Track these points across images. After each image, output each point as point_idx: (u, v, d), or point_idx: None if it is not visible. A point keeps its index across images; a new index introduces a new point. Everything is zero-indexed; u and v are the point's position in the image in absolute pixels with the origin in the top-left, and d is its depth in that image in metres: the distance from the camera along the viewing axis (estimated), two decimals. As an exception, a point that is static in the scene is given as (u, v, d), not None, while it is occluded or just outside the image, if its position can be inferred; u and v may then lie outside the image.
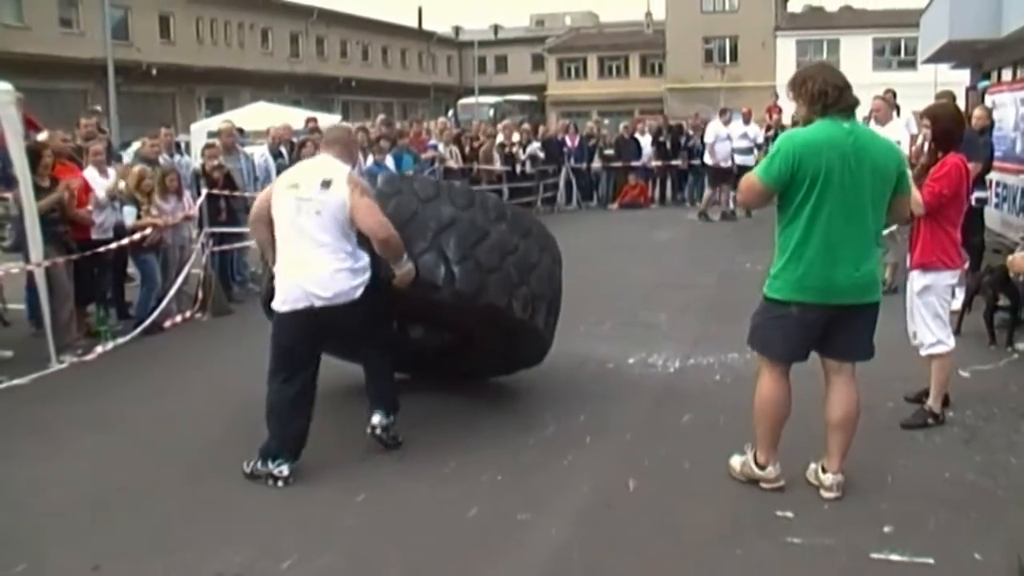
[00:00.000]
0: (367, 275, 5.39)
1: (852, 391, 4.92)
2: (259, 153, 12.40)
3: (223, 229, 10.97)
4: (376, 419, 5.77)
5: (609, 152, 22.57)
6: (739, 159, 18.91)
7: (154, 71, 41.96)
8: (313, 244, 5.29)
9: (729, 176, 18.58)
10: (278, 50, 52.87)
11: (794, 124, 18.18)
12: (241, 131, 14.17)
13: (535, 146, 21.24)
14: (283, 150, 12.58)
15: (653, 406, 6.64)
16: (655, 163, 22.48)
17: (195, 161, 12.61)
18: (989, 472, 5.30)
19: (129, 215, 9.54)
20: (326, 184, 5.29)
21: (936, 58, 29.06)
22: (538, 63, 67.49)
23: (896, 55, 52.64)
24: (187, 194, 10.43)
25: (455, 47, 70.86)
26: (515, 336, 6.35)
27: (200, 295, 10.48)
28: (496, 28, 67.73)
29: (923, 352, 6.09)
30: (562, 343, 7.03)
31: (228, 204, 11.09)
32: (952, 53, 27.01)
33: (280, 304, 5.39)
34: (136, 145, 12.79)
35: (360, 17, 59.65)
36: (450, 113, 46.15)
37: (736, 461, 5.21)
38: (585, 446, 5.87)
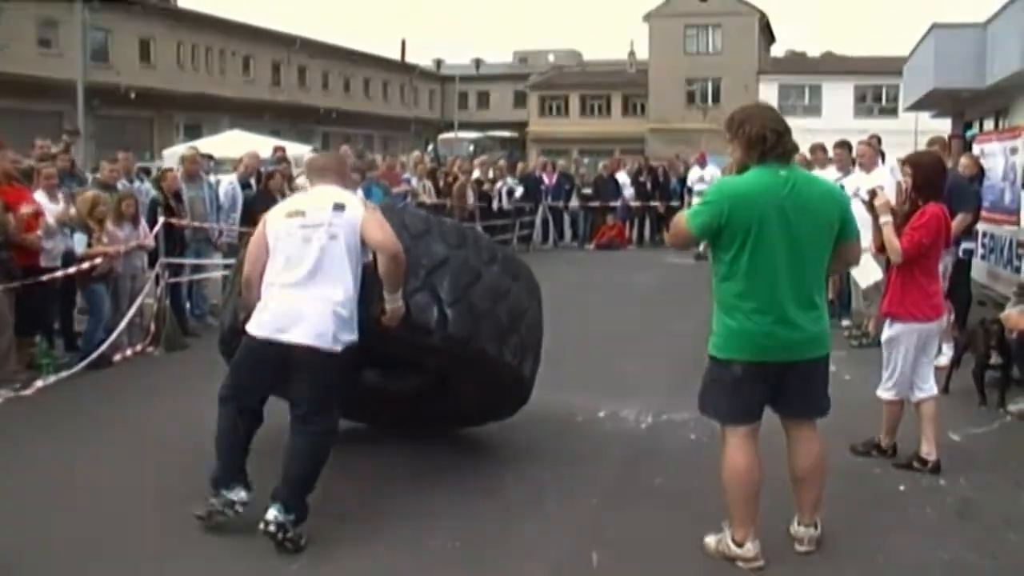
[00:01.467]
0: (354, 336, 4.96)
1: (812, 444, 4.67)
2: (226, 181, 11.93)
3: (179, 260, 10.49)
4: (271, 514, 4.78)
5: (587, 191, 22.24)
6: (696, 201, 18.86)
7: (132, 94, 41.64)
8: (319, 274, 4.88)
9: None
10: (259, 78, 52.79)
11: (730, 171, 18.44)
12: (210, 158, 13.75)
13: (512, 182, 20.88)
14: (251, 180, 12.11)
15: (623, 467, 6.18)
16: (634, 203, 22.15)
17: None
18: (987, 549, 4.88)
19: (79, 243, 9.04)
20: (339, 207, 4.96)
21: (919, 106, 29.10)
22: (520, 100, 67.57)
23: (877, 102, 52.93)
24: (143, 222, 9.93)
25: (438, 81, 70.82)
26: (498, 384, 5.97)
27: (153, 328, 9.97)
28: (478, 62, 67.67)
29: (879, 392, 6.10)
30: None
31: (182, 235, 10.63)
32: (935, 101, 27.04)
33: (256, 327, 4.94)
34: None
35: (343, 48, 59.66)
36: (430, 147, 45.88)
37: (711, 539, 4.78)
38: (547, 513, 5.39)
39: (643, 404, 7.51)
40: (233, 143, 20.74)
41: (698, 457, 6.18)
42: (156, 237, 10.01)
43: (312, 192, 5.24)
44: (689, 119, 55.39)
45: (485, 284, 5.60)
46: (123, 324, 9.46)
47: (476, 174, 19.83)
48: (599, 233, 22.04)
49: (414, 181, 16.50)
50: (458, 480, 5.89)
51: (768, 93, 54.56)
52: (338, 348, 4.85)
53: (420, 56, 70.23)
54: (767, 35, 60.17)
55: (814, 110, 52.65)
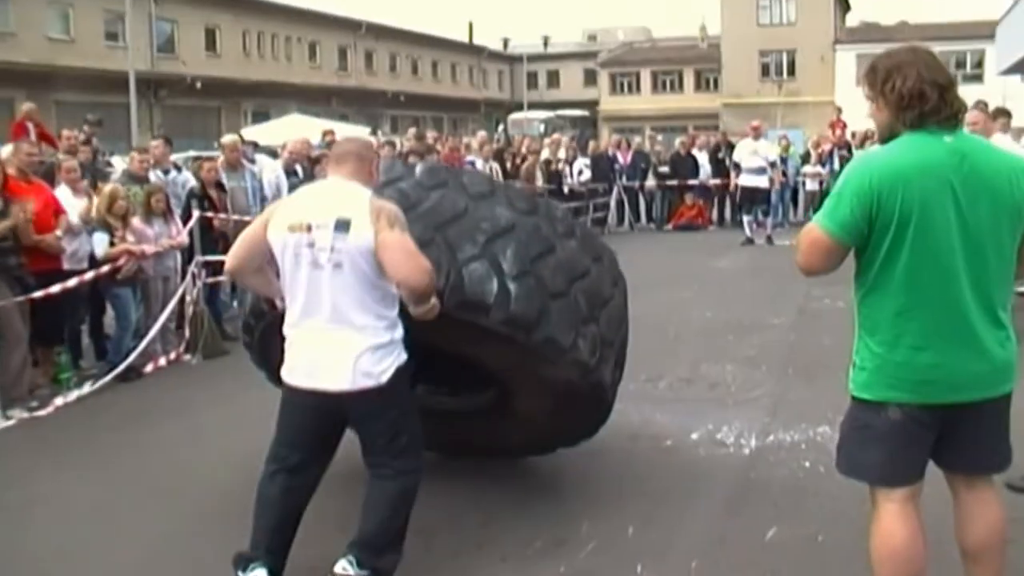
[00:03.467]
0: (401, 356, 4.06)
1: (990, 506, 3.40)
2: (270, 169, 10.99)
3: (218, 257, 9.55)
4: (340, 565, 4.04)
5: (664, 170, 20.99)
6: (748, 180, 17.76)
7: (199, 84, 41.47)
8: (333, 313, 3.95)
9: (760, 196, 17.98)
10: (326, 63, 52.44)
11: (864, 140, 16.62)
12: (255, 145, 12.81)
13: (583, 162, 19.73)
14: (298, 167, 11.15)
15: (726, 511, 5.01)
16: (713, 182, 20.87)
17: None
18: None
19: (99, 243, 8.13)
20: (343, 226, 3.90)
21: (1016, 68, 27.31)
22: (590, 78, 66.42)
23: (961, 68, 50.58)
24: (176, 218, 9.02)
25: (506, 62, 69.95)
26: (572, 392, 4.79)
27: (188, 333, 9.07)
28: (546, 40, 66.47)
29: None
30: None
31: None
32: (1033, 64, 25.27)
33: (288, 374, 4.10)
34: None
35: (409, 31, 59.06)
36: (500, 128, 45.12)
37: None
38: (635, 579, 4.29)
39: (743, 421, 6.36)
40: (295, 128, 19.85)
41: (818, 495, 5.04)
42: (191, 233, 9.08)
43: (319, 190, 4.22)
44: (764, 93, 53.67)
45: (559, 259, 4.63)
46: (154, 331, 8.58)
47: (545, 154, 18.69)
48: (678, 214, 20.86)
49: (479, 163, 15.42)
50: (520, 530, 4.78)
51: (845, 63, 52.95)
52: (385, 379, 3.97)
53: (488, 37, 69.46)
54: (842, 4, 58.21)
55: (930, 51, 50.58)
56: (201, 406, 7.51)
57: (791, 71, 55.14)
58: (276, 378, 4.41)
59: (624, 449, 5.82)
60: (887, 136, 3.28)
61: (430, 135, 17.78)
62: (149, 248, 8.46)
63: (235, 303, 10.53)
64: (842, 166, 19.95)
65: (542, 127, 46.38)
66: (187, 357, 9.00)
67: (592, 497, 5.20)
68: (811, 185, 20.80)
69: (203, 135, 35.79)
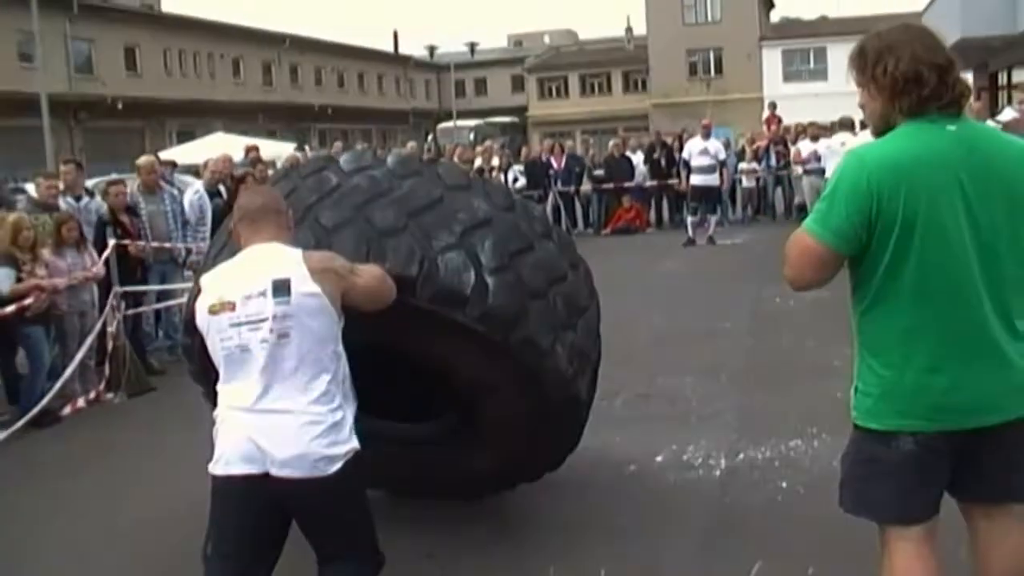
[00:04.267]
0: (352, 441, 3.51)
1: (1015, 538, 2.92)
2: (192, 190, 10.40)
3: (138, 288, 8.97)
4: None
5: (599, 173, 20.61)
6: (699, 179, 17.27)
7: (120, 105, 40.38)
8: (279, 388, 3.43)
9: (711, 195, 17.45)
10: (251, 79, 51.52)
11: (798, 135, 16.48)
12: (174, 165, 12.21)
13: (518, 169, 19.34)
14: (221, 188, 10.56)
15: (703, 546, 4.57)
16: (650, 183, 20.56)
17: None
18: None
19: (3, 279, 7.50)
20: (281, 287, 3.40)
21: (941, 60, 27.44)
22: (518, 84, 66.17)
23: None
24: (90, 247, 8.42)
25: (433, 71, 69.52)
26: (547, 406, 4.34)
27: (109, 370, 8.46)
28: (473, 47, 66.09)
29: None
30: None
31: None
32: (960, 52, 25.39)
33: (215, 464, 3.51)
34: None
35: (334, 43, 58.45)
36: (430, 138, 44.75)
37: None
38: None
39: (710, 439, 5.94)
40: (219, 147, 19.17)
41: (802, 520, 4.65)
42: (107, 263, 8.48)
43: (242, 262, 3.61)
44: (693, 92, 53.92)
45: (537, 258, 4.30)
46: (70, 369, 7.96)
47: (478, 163, 18.25)
48: (615, 217, 20.44)
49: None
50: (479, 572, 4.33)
51: (772, 60, 53.57)
52: (331, 469, 3.42)
53: (413, 47, 69.01)
54: (765, 1, 58.60)
55: (820, 74, 51.25)
56: (124, 451, 6.98)
57: (718, 69, 55.31)
58: (213, 396, 3.80)
59: (585, 479, 5.36)
60: (882, 127, 2.87)
61: (358, 147, 17.23)
62: (61, 282, 7.85)
63: (160, 333, 9.95)
64: (779, 162, 20.02)
65: (472, 135, 46.14)
66: (109, 396, 8.38)
67: (556, 538, 4.74)
68: (748, 182, 20.63)
69: (127, 157, 34.86)
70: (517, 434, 4.53)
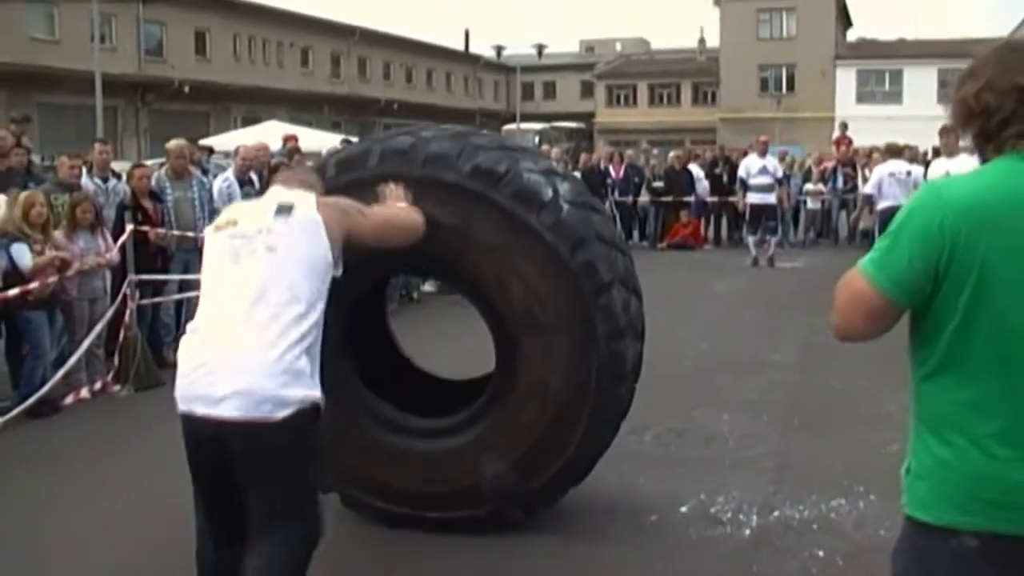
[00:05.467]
0: (312, 392, 3.32)
1: None
2: (221, 178, 9.99)
3: (153, 276, 8.56)
4: None
5: (658, 185, 19.98)
6: (757, 198, 16.39)
7: (187, 88, 40.68)
8: (251, 302, 3.30)
9: (770, 214, 16.61)
10: (318, 70, 51.60)
11: (868, 157, 15.31)
12: (210, 151, 11.82)
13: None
14: (253, 176, 10.15)
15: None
16: (710, 199, 19.89)
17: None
18: None
19: (21, 254, 7.13)
20: (284, 209, 3.47)
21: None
22: (587, 90, 65.83)
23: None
24: (105, 232, 8.02)
25: (502, 72, 69.27)
26: (587, 367, 4.31)
27: (118, 361, 8.06)
28: (540, 48, 65.68)
29: None
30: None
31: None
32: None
33: (179, 399, 3.35)
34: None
35: (404, 38, 58.24)
36: (492, 139, 44.30)
37: None
38: None
39: (743, 490, 5.32)
40: (272, 135, 18.84)
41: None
42: (123, 249, 8.07)
43: (257, 200, 3.88)
44: (762, 108, 53.20)
45: (603, 220, 4.68)
46: (74, 358, 7.56)
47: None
48: (672, 231, 19.81)
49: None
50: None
51: (845, 79, 52.60)
52: (280, 415, 3.20)
53: (484, 47, 68.71)
54: (843, 19, 57.60)
55: (894, 96, 50.39)
56: (119, 446, 6.59)
57: (790, 86, 54.54)
58: None
59: (599, 527, 4.82)
60: (981, 161, 2.37)
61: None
62: (74, 264, 7.46)
63: (181, 325, 9.51)
64: (846, 184, 19.25)
65: (536, 139, 45.64)
66: (116, 388, 7.98)
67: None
68: (812, 204, 19.90)
69: (192, 141, 34.99)
70: (543, 409, 4.38)
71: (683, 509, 5.09)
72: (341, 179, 4.48)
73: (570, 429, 4.41)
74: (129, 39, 39.78)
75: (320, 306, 3.43)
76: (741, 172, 16.99)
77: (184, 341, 3.45)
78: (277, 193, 3.65)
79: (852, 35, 61.49)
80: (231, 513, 3.37)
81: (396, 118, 53.95)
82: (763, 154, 16.83)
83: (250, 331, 3.27)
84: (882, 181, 13.00)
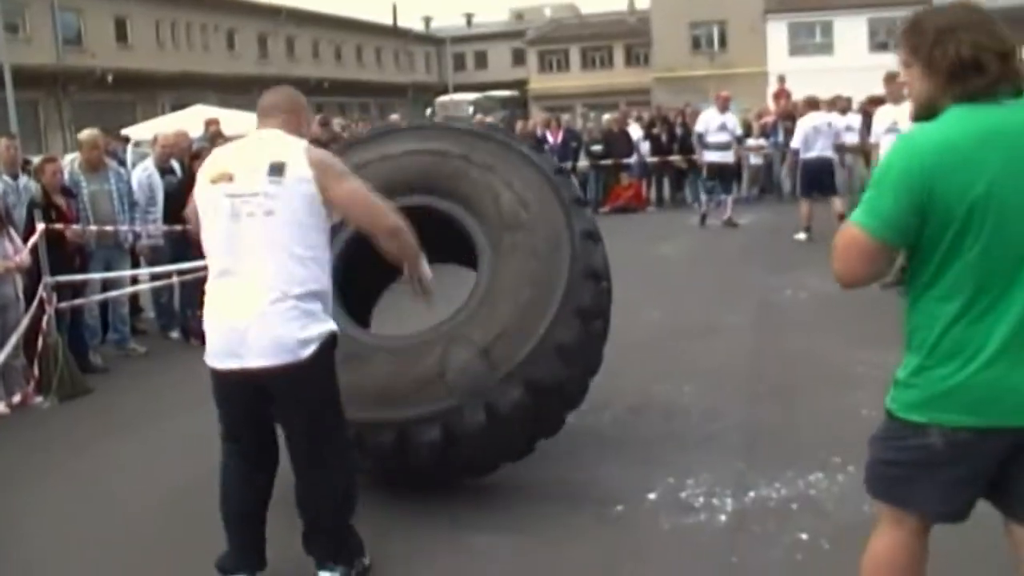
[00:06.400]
0: (327, 326, 3.76)
1: None
2: (140, 168, 9.44)
3: (72, 277, 8.01)
4: None
5: (597, 148, 19.60)
6: (715, 156, 15.89)
7: (110, 78, 39.58)
8: (257, 264, 3.67)
9: (728, 173, 16.04)
10: (246, 52, 50.75)
11: (807, 109, 15.26)
12: (126, 140, 11.24)
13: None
14: (174, 163, 9.59)
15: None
16: (651, 159, 19.55)
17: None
18: None
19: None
20: (277, 169, 3.69)
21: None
22: (519, 57, 65.26)
23: (893, 36, 50.03)
24: (12, 233, 7.47)
25: (433, 44, 68.63)
26: (559, 272, 4.69)
27: (38, 371, 7.52)
28: (469, 18, 65.05)
29: None
30: (537, 453, 4.86)
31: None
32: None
33: (207, 356, 3.83)
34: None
35: (332, 16, 57.38)
36: (428, 112, 43.91)
37: None
38: None
39: (713, 470, 4.96)
40: (195, 120, 18.15)
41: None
42: (35, 251, 7.52)
43: (246, 142, 3.97)
44: (696, 66, 52.97)
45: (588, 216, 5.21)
46: (-10, 372, 7.04)
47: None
48: (613, 195, 19.48)
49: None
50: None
51: (777, 33, 52.44)
52: (305, 353, 3.66)
53: (412, 20, 68.02)
54: (772, -27, 57.54)
55: (826, 48, 50.49)
56: (38, 467, 6.03)
57: (722, 43, 54.28)
58: None
59: (561, 523, 4.43)
60: (926, 110, 2.67)
61: (337, 122, 16.17)
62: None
63: (114, 326, 8.94)
64: (786, 138, 18.98)
65: (471, 109, 45.19)
66: (38, 400, 7.45)
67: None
68: (755, 159, 19.64)
69: (119, 131, 34.06)
70: (516, 298, 4.58)
71: (651, 496, 4.71)
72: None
73: (540, 316, 4.55)
74: (45, 28, 38.67)
75: (323, 251, 3.78)
76: (699, 127, 16.40)
77: (206, 302, 3.83)
78: (264, 142, 3.82)
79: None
80: (261, 451, 3.92)
81: (328, 96, 53.22)
82: (723, 110, 16.24)
83: (262, 285, 3.63)
84: (807, 134, 13.46)
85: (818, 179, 13.24)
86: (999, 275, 2.54)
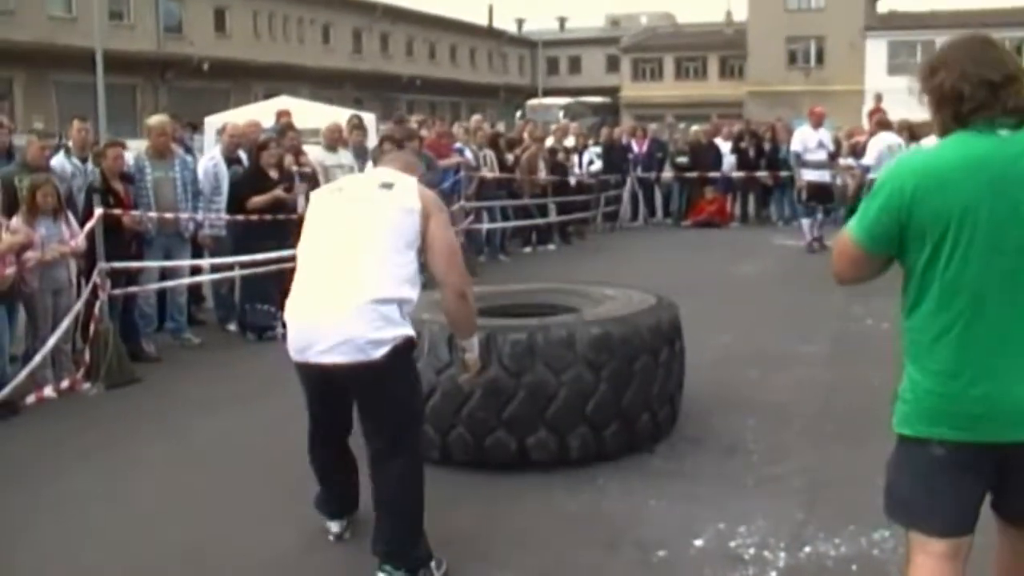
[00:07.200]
0: (405, 331, 3.87)
1: None
2: (207, 157, 9.32)
3: (127, 264, 7.88)
4: None
5: (682, 160, 19.11)
6: (816, 175, 14.89)
7: (206, 66, 40.35)
8: (353, 253, 3.86)
9: (828, 193, 15.08)
10: (340, 46, 51.38)
11: (902, 131, 14.77)
12: (193, 127, 11.14)
13: (595, 151, 18.04)
14: (241, 154, 9.45)
15: None
16: (736, 174, 19.01)
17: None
18: None
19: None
20: (387, 185, 4.03)
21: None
22: (613, 64, 65.09)
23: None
24: (70, 217, 7.36)
25: (527, 46, 68.64)
26: None
27: (88, 358, 7.40)
28: (562, 21, 64.71)
29: None
30: (577, 480, 4.89)
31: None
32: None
33: (289, 345, 4.03)
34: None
35: (427, 14, 57.69)
36: (519, 115, 43.77)
37: None
38: None
39: (768, 518, 4.56)
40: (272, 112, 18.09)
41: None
42: (92, 236, 7.40)
43: (364, 173, 4.82)
44: (791, 81, 52.55)
45: None
46: (39, 356, 6.93)
47: (550, 142, 16.90)
48: (697, 209, 19.00)
49: (468, 152, 13.64)
50: None
51: (876, 51, 51.44)
52: (379, 354, 3.77)
53: (508, 22, 68.04)
54: (873, -11, 56.44)
55: (990, 41, 49.08)
56: (76, 454, 5.88)
57: (819, 59, 53.75)
58: None
59: (595, 565, 4.10)
60: (943, 135, 2.84)
61: (414, 119, 15.99)
62: (32, 254, 6.81)
63: (171, 316, 8.81)
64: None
65: (561, 113, 44.91)
66: (86, 386, 7.32)
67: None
68: (843, 179, 18.97)
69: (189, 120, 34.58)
70: None
71: (697, 543, 4.33)
72: None
73: None
74: (148, 16, 39.83)
75: (412, 267, 3.91)
76: (796, 146, 15.36)
77: (291, 295, 4.01)
78: (382, 173, 4.30)
79: (882, 6, 60.24)
80: (333, 426, 4.24)
81: (419, 94, 53.57)
82: (817, 126, 15.28)
83: (349, 284, 3.78)
84: (882, 154, 12.79)
85: None
86: (974, 296, 2.68)
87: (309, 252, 4.02)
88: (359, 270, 3.79)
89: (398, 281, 3.83)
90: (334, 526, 4.44)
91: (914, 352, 2.81)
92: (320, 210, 4.12)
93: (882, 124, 14.06)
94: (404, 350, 3.85)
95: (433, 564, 3.96)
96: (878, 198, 2.78)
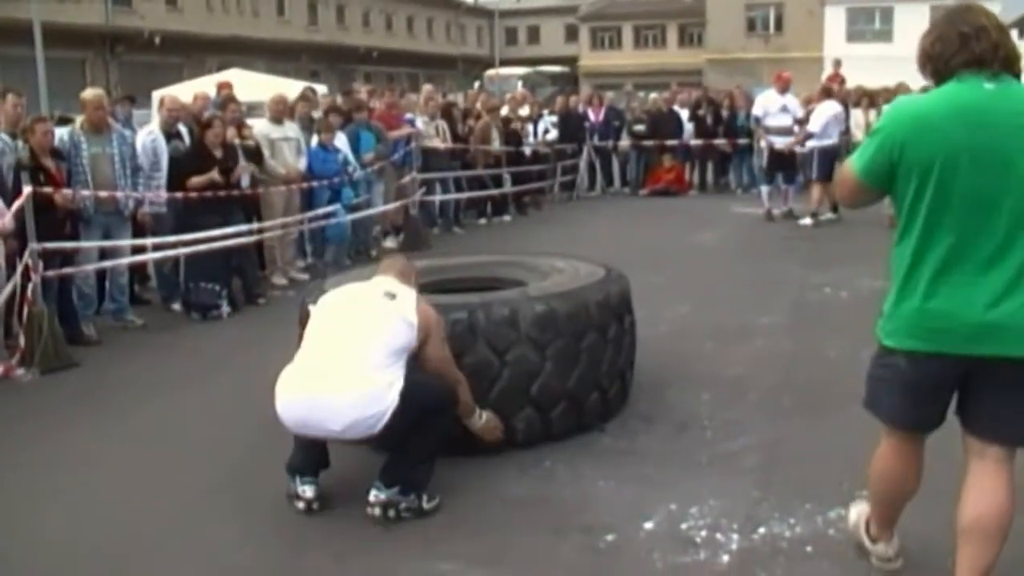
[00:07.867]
0: (398, 388, 4.15)
1: (996, 482, 3.22)
2: (144, 131, 8.99)
3: (63, 244, 7.57)
4: (371, 496, 4.25)
5: (639, 128, 18.88)
6: (780, 141, 14.57)
7: (158, 40, 39.47)
8: (351, 340, 4.21)
9: (789, 161, 14.75)
10: (295, 18, 50.51)
11: (860, 97, 14.69)
12: (132, 99, 10.79)
13: (548, 120, 17.78)
14: (181, 128, 9.13)
15: None
16: (694, 142, 18.82)
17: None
18: None
19: None
20: (390, 295, 4.37)
21: (1016, 25, 25.56)
22: (571, 33, 64.86)
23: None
24: (-3, 197, 7.06)
25: (485, 17, 68.16)
26: None
27: (23, 343, 7.11)
28: (520, -8, 64.39)
29: None
30: (523, 464, 4.79)
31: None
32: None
33: (278, 407, 4.31)
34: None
35: (384, -16, 56.79)
36: (477, 85, 43.43)
37: (855, 512, 3.87)
38: None
39: (721, 497, 4.39)
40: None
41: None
42: (20, 215, 7.09)
43: (367, 281, 4.72)
44: (750, 48, 52.58)
45: None
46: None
47: (505, 111, 16.62)
48: (654, 177, 18.78)
49: (420, 123, 13.34)
50: None
51: (835, 18, 51.33)
52: (379, 427, 4.12)
53: (465, -9, 67.46)
54: (832, -45, 56.42)
55: (885, 35, 49.18)
56: (8, 444, 5.62)
57: (778, 26, 53.59)
58: None
59: (542, 551, 3.91)
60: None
61: (364, 89, 15.64)
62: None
63: (111, 296, 8.49)
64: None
65: (520, 84, 44.62)
66: (19, 372, 7.04)
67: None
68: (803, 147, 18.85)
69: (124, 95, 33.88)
70: None
71: (647, 526, 4.15)
72: None
73: None
74: (95, -12, 38.72)
75: (400, 366, 4.20)
76: (757, 110, 15.22)
77: (288, 371, 4.34)
78: (383, 282, 4.54)
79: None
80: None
81: (377, 66, 52.95)
82: (783, 91, 15.00)
83: (348, 363, 4.14)
84: (828, 122, 13.68)
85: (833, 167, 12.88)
86: (950, 228, 3.08)
87: (310, 339, 4.38)
88: (361, 354, 4.14)
89: (390, 365, 4.18)
90: (308, 490, 4.38)
91: (896, 274, 3.25)
92: (322, 309, 4.51)
93: (825, 92, 14.47)
94: (401, 407, 4.11)
95: (425, 495, 4.25)
96: (875, 139, 3.23)
